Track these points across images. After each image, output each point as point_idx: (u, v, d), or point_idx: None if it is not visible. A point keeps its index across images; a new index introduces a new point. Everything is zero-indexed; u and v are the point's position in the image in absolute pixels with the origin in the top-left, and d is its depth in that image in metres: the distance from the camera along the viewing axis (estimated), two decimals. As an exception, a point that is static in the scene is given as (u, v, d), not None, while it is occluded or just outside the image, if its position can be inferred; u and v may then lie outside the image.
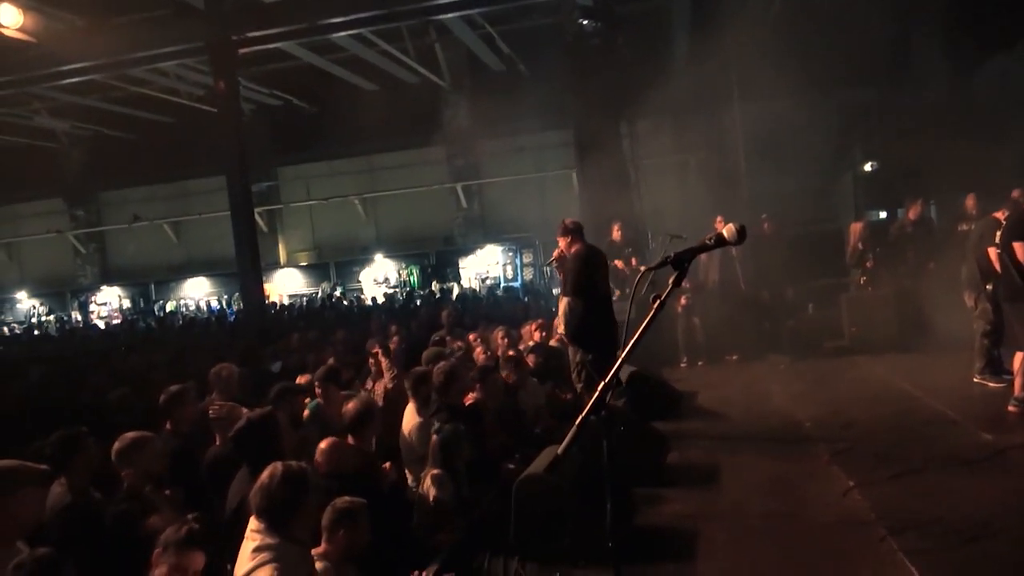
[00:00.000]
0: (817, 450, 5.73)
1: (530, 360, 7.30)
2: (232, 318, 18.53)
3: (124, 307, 23.75)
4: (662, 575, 3.96)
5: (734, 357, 9.79)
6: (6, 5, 11.02)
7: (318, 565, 3.20)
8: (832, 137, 14.68)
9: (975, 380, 6.94)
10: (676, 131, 15.98)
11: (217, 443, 4.51)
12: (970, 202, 8.32)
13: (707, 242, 2.12)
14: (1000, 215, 6.31)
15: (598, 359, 6.01)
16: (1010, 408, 5.96)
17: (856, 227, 10.36)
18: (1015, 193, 7.41)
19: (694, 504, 4.92)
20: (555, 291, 18.13)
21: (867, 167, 14.31)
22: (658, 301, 1.96)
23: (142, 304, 23.70)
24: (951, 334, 7.88)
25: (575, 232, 6.46)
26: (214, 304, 22.65)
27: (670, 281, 2.04)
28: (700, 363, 9.87)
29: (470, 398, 5.72)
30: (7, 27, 11.11)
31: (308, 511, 3.06)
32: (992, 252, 6.17)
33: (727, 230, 2.08)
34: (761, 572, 3.95)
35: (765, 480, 5.18)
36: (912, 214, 9.81)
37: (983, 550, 3.81)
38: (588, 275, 6.26)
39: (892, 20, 12.32)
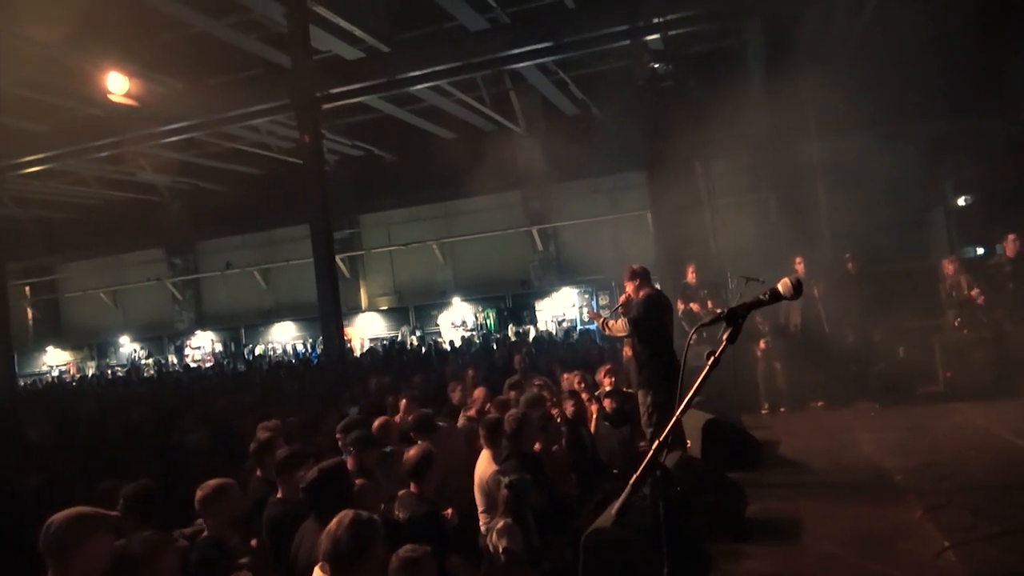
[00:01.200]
0: (909, 504, 5.39)
1: (606, 404, 7.22)
2: (315, 361, 19.08)
3: (216, 351, 24.85)
4: (739, 637, 3.79)
5: (819, 403, 9.37)
6: (114, 73, 11.96)
7: None
8: (919, 169, 14.09)
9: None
10: (753, 169, 15.69)
11: (279, 495, 4.52)
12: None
13: (762, 298, 2.07)
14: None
15: (666, 402, 5.96)
16: None
17: (948, 264, 9.84)
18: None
19: (775, 561, 4.71)
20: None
21: (960, 201, 13.65)
22: (712, 358, 1.92)
23: (233, 348, 24.74)
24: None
25: (642, 276, 6.52)
26: (299, 348, 23.41)
27: (723, 337, 1.99)
28: (782, 409, 9.48)
29: (537, 446, 5.70)
30: (114, 93, 12.05)
31: (374, 561, 3.06)
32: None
33: (782, 285, 2.03)
34: (847, 637, 3.73)
35: (852, 536, 4.90)
36: (1010, 250, 9.26)
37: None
38: (655, 318, 6.30)
39: (980, 44, 11.83)
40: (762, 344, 9.56)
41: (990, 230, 12.14)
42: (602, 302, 20.21)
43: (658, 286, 7.05)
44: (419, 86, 13.90)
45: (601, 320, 6.86)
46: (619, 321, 6.49)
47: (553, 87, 16.31)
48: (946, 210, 14.37)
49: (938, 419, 8.00)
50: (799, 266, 9.90)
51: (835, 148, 13.52)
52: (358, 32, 12.45)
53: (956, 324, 9.38)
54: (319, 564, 3.11)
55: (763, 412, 9.45)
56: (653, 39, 11.94)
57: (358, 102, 14.63)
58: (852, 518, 5.27)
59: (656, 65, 11.84)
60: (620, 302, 6.69)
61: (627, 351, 8.63)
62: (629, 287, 6.55)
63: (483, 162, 18.19)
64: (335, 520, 3.08)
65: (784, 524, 5.29)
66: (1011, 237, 9.16)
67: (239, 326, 24.97)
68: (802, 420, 8.94)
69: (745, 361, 9.50)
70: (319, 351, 20.82)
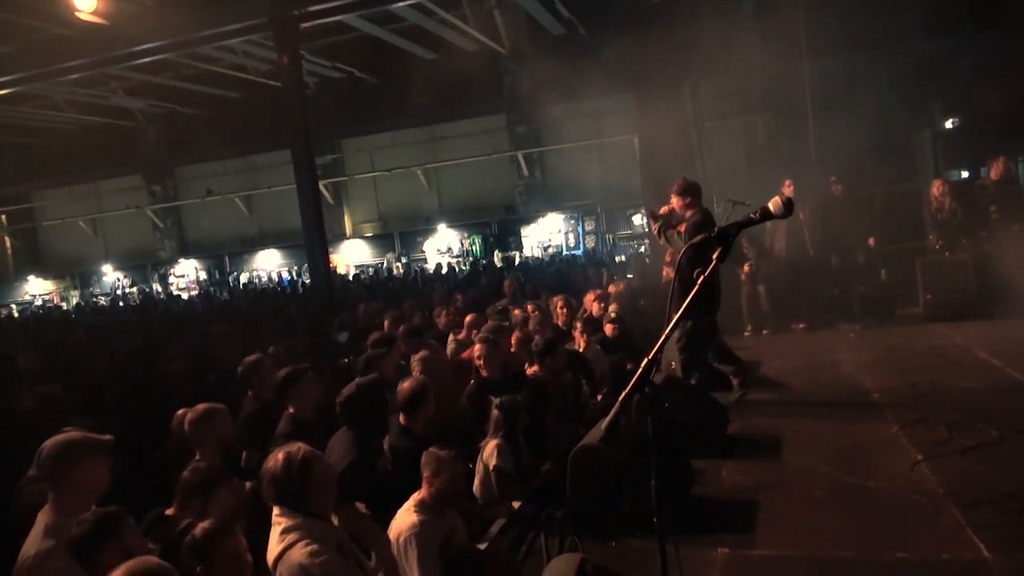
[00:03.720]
0: (886, 421, 5.57)
1: (607, 330, 7.28)
2: (302, 289, 19.04)
3: (201, 279, 24.72)
4: (720, 546, 3.93)
5: (801, 325, 9.54)
6: (81, -11, 11.44)
7: (413, 517, 3.41)
8: (908, 91, 13.93)
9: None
10: (742, 91, 15.46)
11: (291, 411, 4.55)
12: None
13: (753, 216, 2.07)
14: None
15: (703, 330, 6.11)
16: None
17: (936, 186, 9.84)
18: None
19: (755, 475, 4.87)
20: (618, 258, 17.97)
21: (947, 124, 13.56)
22: (701, 277, 1.93)
23: (217, 276, 24.60)
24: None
25: (694, 193, 6.03)
26: (285, 275, 23.33)
27: (714, 256, 2.00)
28: (765, 331, 9.64)
29: (533, 370, 5.76)
30: (82, 11, 11.54)
31: (319, 490, 2.95)
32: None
33: (773, 203, 2.03)
34: (823, 544, 3.89)
35: (830, 451, 5.07)
36: (995, 173, 9.30)
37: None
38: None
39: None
40: (746, 268, 9.64)
41: (975, 153, 12.13)
42: (588, 228, 20.19)
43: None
44: (400, 3, 13.42)
45: (658, 226, 6.22)
46: (681, 230, 5.95)
47: (538, 4, 15.82)
48: (933, 133, 14.29)
49: (917, 340, 8.19)
50: (787, 189, 9.90)
51: (824, 70, 13.31)
52: (336, -54, 11.94)
53: (937, 247, 9.49)
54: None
55: (746, 334, 9.62)
56: (642, -46, 11.55)
57: (337, 20, 14.14)
58: (831, 434, 5.44)
59: (645, -19, 11.49)
60: (661, 212, 6.24)
61: (668, 272, 8.43)
62: (676, 202, 6.08)
63: (467, 85, 17.78)
64: (270, 460, 2.98)
65: (765, 440, 5.47)
66: (1001, 159, 9.16)
67: (223, 254, 24.74)
68: (784, 342, 9.12)
69: (728, 284, 9.59)
70: (305, 279, 20.76)
